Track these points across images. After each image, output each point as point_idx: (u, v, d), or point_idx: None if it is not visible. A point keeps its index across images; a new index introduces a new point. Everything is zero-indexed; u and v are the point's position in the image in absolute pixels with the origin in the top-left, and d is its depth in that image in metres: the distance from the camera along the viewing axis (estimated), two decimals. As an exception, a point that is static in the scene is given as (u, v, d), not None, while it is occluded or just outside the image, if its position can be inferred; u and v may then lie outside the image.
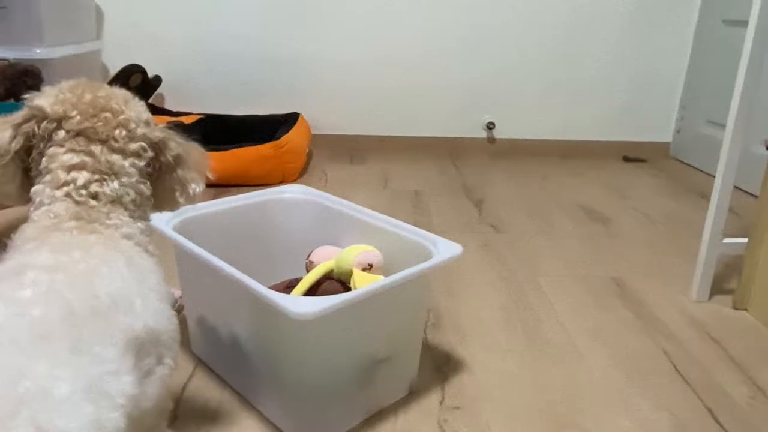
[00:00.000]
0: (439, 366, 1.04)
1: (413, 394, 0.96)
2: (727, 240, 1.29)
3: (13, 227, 0.62)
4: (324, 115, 2.51)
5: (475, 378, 1.01)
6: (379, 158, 2.42)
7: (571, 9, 2.43)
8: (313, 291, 0.97)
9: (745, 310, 1.27)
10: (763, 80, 2.01)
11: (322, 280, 0.98)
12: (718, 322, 1.23)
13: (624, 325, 1.20)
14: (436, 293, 1.30)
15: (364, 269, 0.94)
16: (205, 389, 0.95)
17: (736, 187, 2.10)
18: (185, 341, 1.07)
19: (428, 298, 1.27)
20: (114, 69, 2.20)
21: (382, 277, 0.90)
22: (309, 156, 2.36)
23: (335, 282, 0.99)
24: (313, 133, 2.44)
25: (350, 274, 0.94)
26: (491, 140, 2.58)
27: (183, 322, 1.11)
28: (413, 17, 2.43)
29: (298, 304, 0.73)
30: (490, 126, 2.55)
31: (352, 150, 2.53)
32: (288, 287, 1.01)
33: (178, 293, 1.14)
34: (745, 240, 1.27)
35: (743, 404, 0.97)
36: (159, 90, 2.41)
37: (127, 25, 2.38)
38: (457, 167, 2.34)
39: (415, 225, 0.99)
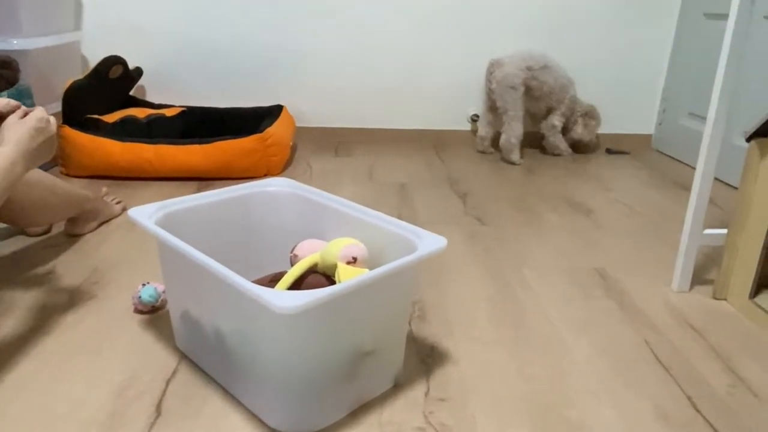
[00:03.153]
0: (425, 358, 1.05)
1: (398, 386, 0.96)
2: (707, 231, 1.30)
3: None
4: (309, 107, 2.50)
5: (461, 369, 1.02)
6: (365, 151, 2.41)
7: (553, 3, 2.44)
8: (297, 285, 0.96)
9: (725, 300, 1.29)
10: (744, 73, 2.03)
11: (307, 274, 0.98)
12: (699, 312, 1.24)
13: (607, 316, 1.22)
14: (422, 285, 1.30)
15: (348, 263, 0.94)
16: (190, 384, 0.95)
17: (716, 179, 2.13)
18: (169, 336, 1.06)
19: (414, 290, 1.27)
20: (94, 60, 2.17)
21: (366, 270, 0.90)
22: (293, 149, 2.34)
23: (320, 276, 0.98)
24: (297, 125, 2.43)
25: (335, 267, 0.94)
26: (476, 132, 2.59)
27: (166, 317, 1.11)
28: (398, 10, 2.42)
29: (280, 298, 0.72)
30: (475, 119, 2.56)
31: (337, 142, 2.52)
32: (272, 281, 1.00)
33: (161, 288, 1.13)
34: (725, 231, 1.29)
35: (723, 393, 0.99)
36: (140, 82, 2.38)
37: (107, 16, 2.35)
38: (443, 160, 2.34)
39: (401, 217, 1.00)
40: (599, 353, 1.08)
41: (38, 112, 1.03)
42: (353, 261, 0.95)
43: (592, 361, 1.06)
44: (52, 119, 1.05)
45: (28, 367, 0.98)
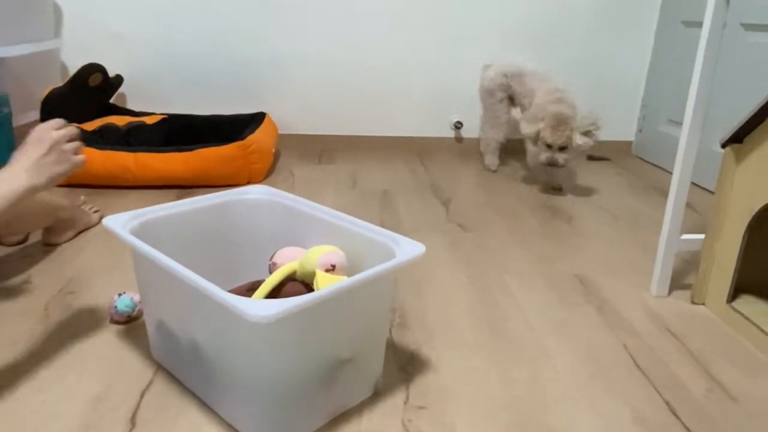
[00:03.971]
0: (404, 365, 1.04)
1: (378, 394, 0.96)
2: (685, 236, 1.32)
3: None
4: (292, 114, 2.49)
5: (440, 376, 1.01)
6: (348, 158, 2.41)
7: (534, 12, 2.46)
8: (275, 293, 0.96)
9: (703, 304, 1.30)
10: (721, 79, 2.06)
11: (285, 282, 0.97)
12: (677, 316, 1.25)
13: (587, 321, 1.22)
14: (403, 292, 1.30)
15: (327, 270, 0.94)
16: (165, 395, 0.93)
17: (694, 184, 2.15)
18: (145, 346, 1.05)
19: (393, 297, 1.26)
20: (74, 68, 2.14)
21: (344, 277, 0.89)
22: (276, 156, 2.33)
23: (299, 283, 0.98)
24: (280, 132, 2.42)
25: (314, 275, 0.93)
26: (459, 140, 2.60)
27: (142, 328, 1.09)
28: (382, 17, 2.43)
29: (256, 306, 0.72)
30: (458, 126, 2.57)
31: (321, 150, 2.52)
32: (250, 290, 0.99)
33: (137, 297, 1.12)
34: (703, 236, 1.30)
35: (700, 397, 0.99)
36: (121, 89, 2.36)
37: (87, 23, 2.33)
38: (426, 167, 2.35)
39: (383, 225, 0.99)
40: (579, 359, 1.09)
41: (44, 123, 0.98)
42: (332, 268, 0.94)
43: (571, 367, 1.06)
44: (63, 132, 0.96)
45: (1, 378, 0.96)
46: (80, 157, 0.99)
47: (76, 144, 0.99)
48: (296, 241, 1.08)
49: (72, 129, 0.99)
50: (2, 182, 0.91)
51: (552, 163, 2.01)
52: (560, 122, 1.97)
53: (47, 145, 0.96)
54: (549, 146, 1.99)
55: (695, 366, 1.08)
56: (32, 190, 0.93)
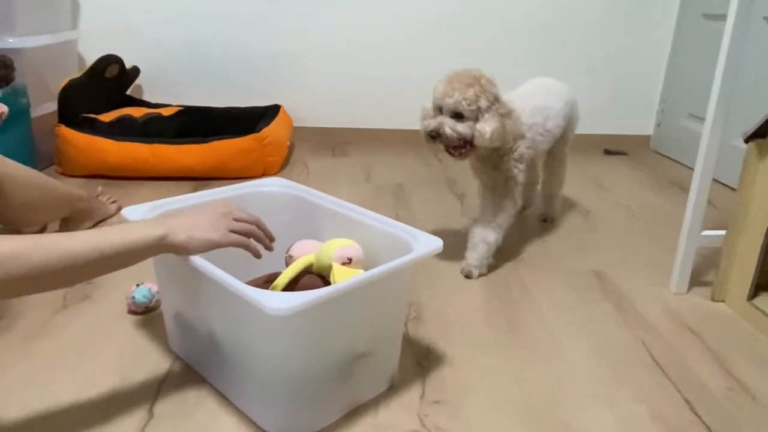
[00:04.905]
0: (420, 360, 1.04)
1: (394, 388, 0.95)
2: (705, 232, 1.30)
3: None
4: (306, 107, 2.49)
5: (456, 372, 1.01)
6: (362, 151, 2.41)
7: (551, 3, 2.43)
8: (292, 286, 0.95)
9: (723, 301, 1.28)
10: (743, 74, 2.02)
11: (302, 275, 0.97)
12: (697, 314, 1.24)
13: (605, 318, 1.21)
14: (418, 287, 1.29)
15: (343, 263, 0.93)
16: (183, 386, 0.94)
17: (715, 180, 2.12)
18: (162, 337, 1.05)
19: (410, 291, 1.26)
20: (91, 59, 2.15)
21: (361, 271, 0.89)
22: (291, 149, 2.33)
23: (315, 276, 0.97)
24: (295, 125, 2.42)
25: (330, 268, 0.93)
26: (474, 133, 2.58)
27: (160, 318, 1.10)
28: (395, 10, 2.41)
29: (273, 299, 0.72)
30: (473, 119, 2.54)
31: (335, 143, 2.51)
32: (267, 282, 1.00)
33: (155, 288, 1.13)
34: (724, 232, 1.28)
35: (720, 395, 0.98)
36: (137, 81, 2.36)
37: (104, 15, 2.34)
38: (441, 160, 2.34)
39: (398, 218, 0.99)
40: (596, 356, 1.08)
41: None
42: (348, 262, 0.94)
43: (588, 364, 1.05)
44: (242, 212, 0.90)
45: (20, 368, 0.97)
46: (239, 239, 0.87)
47: (248, 228, 0.89)
48: (312, 234, 1.07)
49: (255, 218, 0.92)
50: (136, 227, 0.80)
51: (435, 134, 1.29)
52: (458, 76, 1.29)
53: (212, 209, 0.88)
54: (440, 110, 1.31)
55: (715, 364, 1.06)
56: (162, 243, 0.80)
